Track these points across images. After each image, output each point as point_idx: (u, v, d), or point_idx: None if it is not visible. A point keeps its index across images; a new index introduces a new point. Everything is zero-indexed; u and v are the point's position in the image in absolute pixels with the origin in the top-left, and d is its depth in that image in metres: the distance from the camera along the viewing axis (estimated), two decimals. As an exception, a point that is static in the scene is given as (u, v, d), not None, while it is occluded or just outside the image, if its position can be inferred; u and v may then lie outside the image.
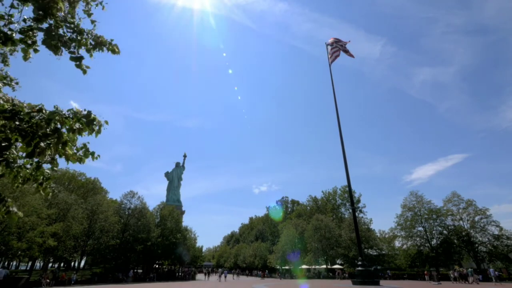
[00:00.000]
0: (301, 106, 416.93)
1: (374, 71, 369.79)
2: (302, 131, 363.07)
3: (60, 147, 3.01)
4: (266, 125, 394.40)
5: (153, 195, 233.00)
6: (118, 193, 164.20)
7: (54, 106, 3.12)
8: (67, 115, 3.07)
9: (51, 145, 2.88)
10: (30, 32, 3.31)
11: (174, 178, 68.31)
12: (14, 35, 3.24)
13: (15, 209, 3.71)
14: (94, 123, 3.19)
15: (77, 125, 3.05)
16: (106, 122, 3.33)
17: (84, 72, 3.61)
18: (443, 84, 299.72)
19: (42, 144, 2.83)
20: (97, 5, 3.76)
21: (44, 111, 2.96)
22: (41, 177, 3.64)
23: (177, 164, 71.30)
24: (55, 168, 3.59)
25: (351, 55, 29.06)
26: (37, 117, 2.86)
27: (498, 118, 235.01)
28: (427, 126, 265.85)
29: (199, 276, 60.08)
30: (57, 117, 2.96)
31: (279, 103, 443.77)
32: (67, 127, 3.03)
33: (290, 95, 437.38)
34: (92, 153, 3.59)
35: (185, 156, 72.85)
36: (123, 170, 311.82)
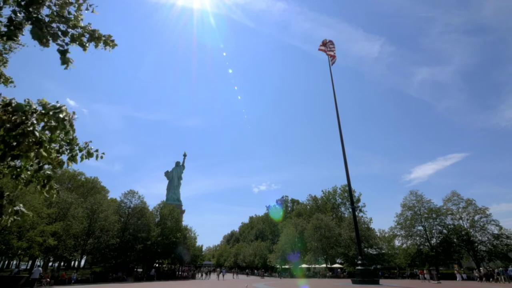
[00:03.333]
0: (301, 105, 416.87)
1: (373, 71, 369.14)
2: (301, 130, 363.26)
3: (32, 147, 2.62)
4: (265, 124, 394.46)
5: (153, 194, 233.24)
6: (118, 192, 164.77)
7: (25, 100, 2.73)
8: (37, 110, 2.69)
9: (22, 146, 2.53)
10: (18, 25, 3.18)
11: (174, 177, 68.45)
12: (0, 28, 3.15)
13: (24, 209, 3.54)
14: (62, 116, 2.76)
15: (51, 123, 2.67)
16: (74, 113, 2.98)
17: (67, 66, 3.40)
18: (441, 84, 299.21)
19: (14, 144, 2.51)
20: (87, 9, 3.71)
21: (13, 105, 2.61)
22: (42, 179, 3.39)
23: (177, 163, 71.45)
24: (54, 170, 3.36)
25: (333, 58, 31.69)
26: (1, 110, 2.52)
27: (497, 117, 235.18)
28: (426, 125, 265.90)
29: (199, 275, 60.13)
30: (26, 108, 2.60)
31: (278, 103, 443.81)
32: (41, 124, 2.67)
33: (290, 95, 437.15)
34: (95, 152, 3.44)
35: (185, 155, 72.97)
36: (122, 169, 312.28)
